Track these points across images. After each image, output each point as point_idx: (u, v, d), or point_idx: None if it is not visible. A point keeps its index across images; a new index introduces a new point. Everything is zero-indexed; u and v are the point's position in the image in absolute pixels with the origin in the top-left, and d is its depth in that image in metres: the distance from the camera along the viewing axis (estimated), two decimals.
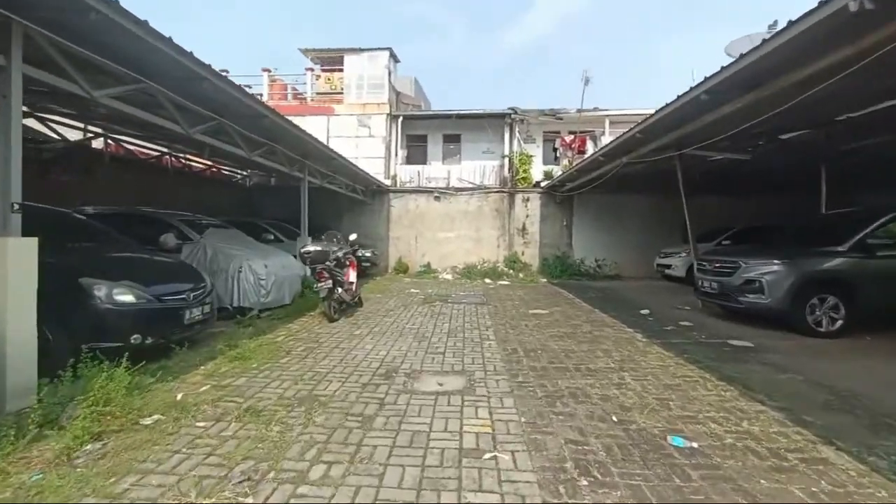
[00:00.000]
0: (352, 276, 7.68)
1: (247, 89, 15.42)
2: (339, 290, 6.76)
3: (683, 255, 11.48)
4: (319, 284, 6.52)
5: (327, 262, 6.71)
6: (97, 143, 9.35)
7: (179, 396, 3.50)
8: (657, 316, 7.40)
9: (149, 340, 4.12)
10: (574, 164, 10.18)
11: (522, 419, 3.26)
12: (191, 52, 4.16)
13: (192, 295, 4.75)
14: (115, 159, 9.58)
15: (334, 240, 8.12)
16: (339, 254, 7.63)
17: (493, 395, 3.74)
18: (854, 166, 8.46)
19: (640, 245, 14.06)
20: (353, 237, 8.43)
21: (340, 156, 9.28)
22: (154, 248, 6.17)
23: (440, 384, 4.01)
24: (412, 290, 10.64)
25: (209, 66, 4.44)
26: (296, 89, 16.57)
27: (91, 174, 8.78)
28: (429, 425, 3.14)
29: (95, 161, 8.99)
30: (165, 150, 10.94)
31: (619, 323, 6.77)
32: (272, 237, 9.89)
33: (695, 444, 2.87)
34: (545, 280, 13.10)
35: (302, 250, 6.43)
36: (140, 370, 3.73)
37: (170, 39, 3.85)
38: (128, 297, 4.06)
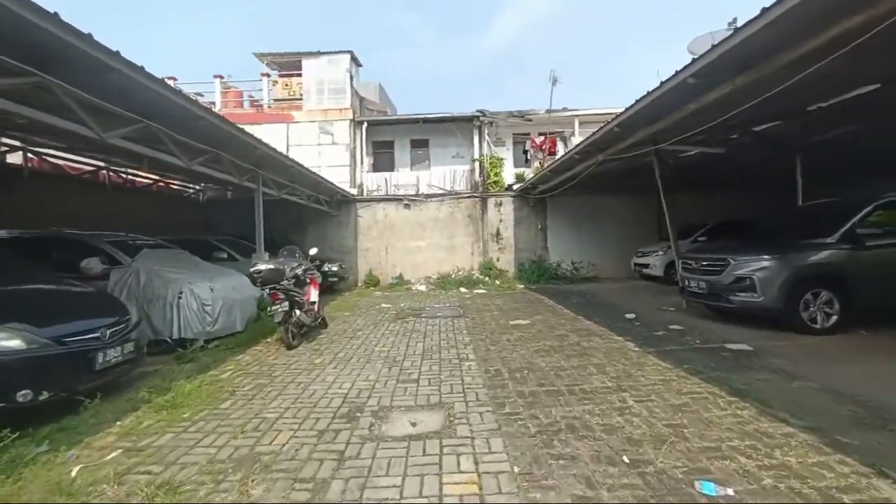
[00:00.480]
0: (313, 294, 6.93)
1: (198, 98, 14.37)
2: (298, 312, 6.00)
3: (660, 253, 11.26)
4: (273, 307, 5.74)
5: (283, 282, 5.94)
6: (15, 158, 8.24)
7: (75, 472, 2.69)
8: (644, 320, 6.98)
9: (45, 395, 3.28)
10: (546, 164, 9.78)
11: (515, 468, 2.65)
12: (90, 35, 3.39)
13: (108, 332, 3.91)
14: (37, 174, 8.47)
15: (296, 255, 7.35)
16: (299, 271, 6.87)
17: (478, 435, 3.12)
18: (828, 158, 8.38)
19: (617, 245, 13.84)
20: (313, 251, 7.68)
21: (297, 163, 8.51)
22: (75, 276, 5.27)
23: (413, 424, 3.36)
24: (383, 304, 9.92)
25: (117, 52, 3.67)
26: (252, 96, 15.61)
27: (7, 192, 7.67)
28: (399, 488, 2.48)
29: (12, 177, 7.88)
30: (102, 164, 9.88)
31: (607, 331, 6.30)
32: (225, 255, 8.97)
33: (730, 492, 2.32)
34: (522, 286, 12.63)
35: (252, 270, 5.64)
36: (27, 437, 2.91)
37: (56, 16, 3.09)
38: (12, 343, 3.21)
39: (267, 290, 5.82)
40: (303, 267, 6.98)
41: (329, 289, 12.17)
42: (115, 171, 10.39)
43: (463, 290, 12.25)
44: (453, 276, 13.55)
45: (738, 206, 12.51)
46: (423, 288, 12.86)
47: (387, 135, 15.54)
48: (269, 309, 5.77)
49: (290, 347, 5.87)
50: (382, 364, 5.06)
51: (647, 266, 11.55)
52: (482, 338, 6.22)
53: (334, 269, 12.03)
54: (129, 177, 11.04)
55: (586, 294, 10.43)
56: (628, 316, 7.26)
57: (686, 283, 6.77)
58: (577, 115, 14.26)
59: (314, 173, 9.75)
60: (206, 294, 5.93)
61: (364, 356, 5.42)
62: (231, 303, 6.30)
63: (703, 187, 13.14)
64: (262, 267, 5.60)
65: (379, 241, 14.19)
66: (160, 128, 5.26)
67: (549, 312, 8.14)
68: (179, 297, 5.72)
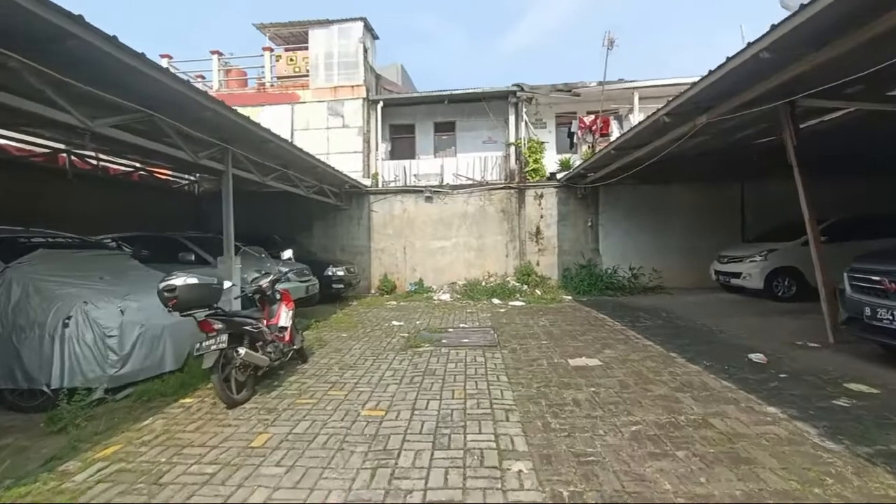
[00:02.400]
0: (283, 317, 4.81)
1: (197, 80, 12.71)
2: (243, 351, 3.84)
3: (759, 258, 8.56)
4: (204, 344, 3.64)
5: (216, 307, 3.84)
6: None
7: None
8: (787, 367, 4.48)
9: None
10: (608, 142, 7.29)
11: None
12: None
13: None
14: None
15: (262, 257, 5.29)
16: (264, 283, 4.79)
17: None
18: None
19: (686, 248, 11.17)
20: (287, 255, 5.58)
21: (279, 137, 6.45)
22: None
23: None
24: (394, 321, 7.74)
25: None
26: (254, 76, 13.79)
27: None
28: None
29: None
30: (62, 146, 8.19)
31: (738, 389, 3.86)
32: (193, 258, 7.02)
33: None
34: (570, 297, 10.18)
35: (162, 286, 3.52)
36: None
37: None
38: None
39: (197, 317, 3.72)
40: (270, 277, 4.88)
41: (334, 297, 10.15)
42: (79, 156, 8.69)
43: (496, 300, 9.94)
44: (483, 282, 11.25)
45: (854, 197, 9.62)
46: (446, 297, 10.64)
47: (406, 117, 13.39)
48: (199, 345, 3.67)
49: (231, 405, 3.77)
50: (363, 458, 2.85)
51: (736, 275, 8.87)
52: (532, 396, 3.91)
53: (339, 273, 9.98)
54: (103, 163, 9.35)
55: (659, 312, 7.90)
56: (754, 358, 4.76)
57: (872, 312, 4.15)
58: (636, 88, 11.65)
59: (309, 155, 7.68)
60: (111, 319, 3.89)
61: (338, 433, 3.24)
62: (157, 330, 4.25)
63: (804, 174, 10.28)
64: (176, 281, 3.46)
65: (396, 241, 12.07)
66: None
67: (622, 343, 5.72)
68: (66, 324, 3.70)
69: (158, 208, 11.24)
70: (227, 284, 4.44)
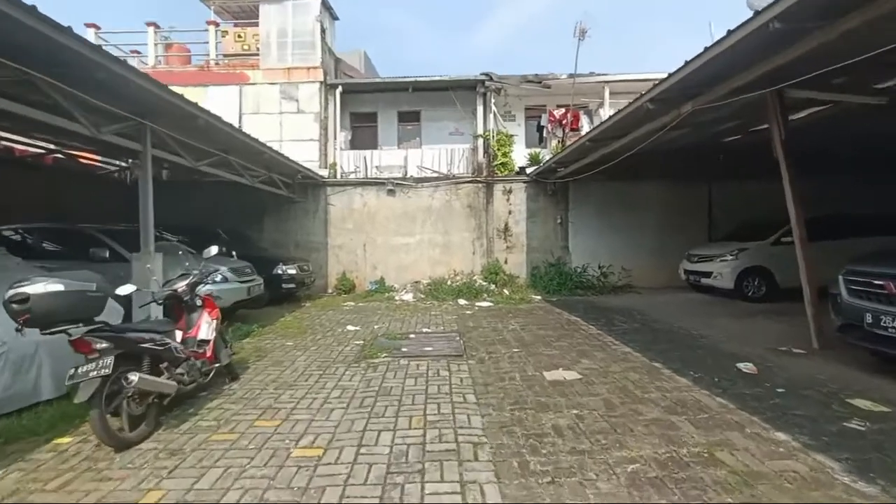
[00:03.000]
0: (204, 329, 3.94)
1: (132, 56, 11.29)
2: (134, 377, 2.95)
3: (730, 257, 8.37)
4: (80, 371, 2.75)
5: (99, 322, 2.95)
6: None
7: None
8: (780, 379, 4.07)
9: None
10: (590, 131, 6.74)
11: None
12: None
13: None
14: None
15: (179, 254, 4.40)
16: (179, 286, 3.90)
17: None
18: None
19: (655, 246, 10.98)
20: (211, 252, 4.66)
21: (212, 115, 5.50)
22: None
23: None
24: (350, 326, 6.94)
25: None
26: (203, 54, 12.43)
27: None
28: None
29: None
30: None
31: (737, 409, 3.38)
32: (107, 254, 5.92)
33: None
34: (539, 297, 9.71)
35: (9, 294, 2.59)
36: None
37: None
38: None
39: (72, 333, 2.82)
40: (188, 279, 3.99)
41: (285, 298, 9.20)
42: None
43: (462, 301, 9.31)
44: (449, 281, 10.60)
45: (818, 197, 9.67)
46: (409, 297, 9.91)
47: (368, 105, 12.51)
48: (69, 374, 2.77)
49: (120, 447, 2.90)
50: None
51: (707, 275, 8.66)
52: (505, 422, 3.28)
53: (290, 272, 9.03)
54: (4, 143, 7.96)
55: (633, 313, 7.52)
56: (744, 368, 4.35)
57: (875, 319, 3.74)
58: (607, 82, 11.32)
59: (251, 138, 6.74)
60: None
61: (257, 487, 2.46)
62: (27, 348, 3.29)
63: (760, 175, 10.27)
64: (31, 289, 2.54)
65: (355, 236, 11.20)
66: None
67: (599, 350, 5.21)
68: None
69: (80, 198, 9.83)
70: (128, 289, 3.54)
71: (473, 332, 6.44)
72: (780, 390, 3.75)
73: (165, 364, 3.28)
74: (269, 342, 5.97)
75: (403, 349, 5.50)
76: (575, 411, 3.42)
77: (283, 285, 8.92)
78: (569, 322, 6.96)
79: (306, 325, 7.11)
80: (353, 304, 9.40)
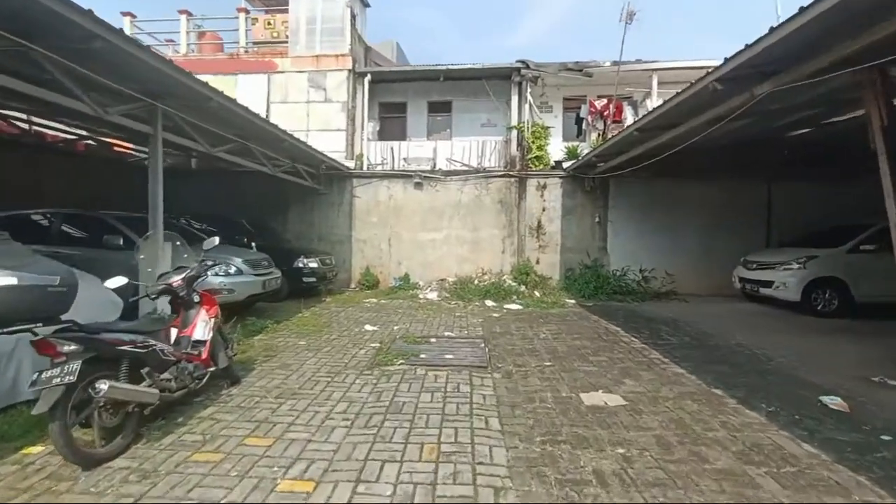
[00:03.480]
0: (200, 328, 3.56)
1: (167, 45, 11.29)
2: (103, 385, 2.54)
3: (796, 266, 7.39)
4: (43, 376, 2.39)
5: (68, 323, 2.57)
6: None
7: None
8: (874, 418, 3.30)
9: None
10: (639, 119, 5.91)
11: None
12: None
13: None
14: None
15: (178, 244, 4.06)
16: (174, 280, 3.55)
17: None
18: None
19: (702, 250, 10.00)
20: (214, 242, 4.26)
21: (226, 97, 5.15)
22: None
23: None
24: (368, 326, 6.51)
25: None
26: (234, 41, 12.31)
27: None
28: None
29: None
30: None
31: (833, 462, 2.67)
32: (121, 241, 5.71)
33: None
34: (573, 301, 8.99)
35: None
36: None
37: None
38: None
39: (38, 333, 2.46)
40: (184, 273, 3.62)
41: (306, 292, 8.90)
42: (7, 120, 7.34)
43: (489, 302, 8.73)
44: (476, 280, 10.03)
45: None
46: (434, 296, 9.41)
47: (397, 94, 12.06)
48: (31, 379, 2.41)
49: (87, 463, 2.53)
50: None
51: (767, 284, 7.70)
52: (534, 459, 2.70)
53: (312, 265, 8.72)
54: (36, 128, 8.00)
55: (681, 325, 6.72)
56: (830, 404, 3.57)
57: None
58: (655, 70, 10.39)
59: (270, 124, 6.39)
60: None
61: None
62: (5, 344, 2.99)
63: (831, 176, 9.12)
64: None
65: (380, 230, 10.80)
66: None
67: (645, 369, 4.53)
68: None
69: (112, 185, 9.88)
70: (117, 282, 3.20)
71: (500, 338, 5.86)
72: (885, 438, 2.99)
73: (147, 370, 2.90)
74: (282, 340, 5.61)
75: (422, 355, 5.00)
76: (621, 450, 2.80)
77: (304, 279, 8.62)
78: (607, 332, 6.26)
79: (323, 322, 6.73)
80: (375, 300, 9.00)
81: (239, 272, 6.11)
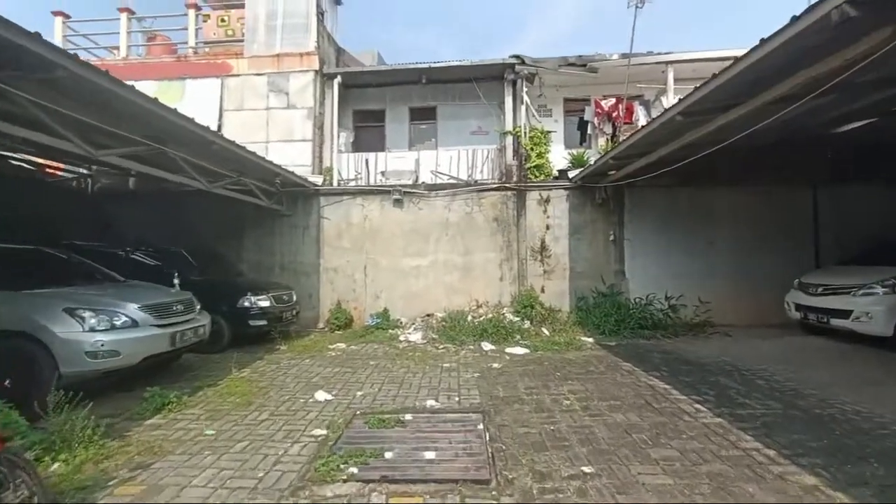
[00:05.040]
0: None
1: (113, 51, 9.46)
2: None
3: (881, 290, 5.73)
4: None
5: None
6: None
7: None
8: None
9: None
10: (686, 98, 4.34)
11: None
12: None
13: None
14: None
15: None
16: None
17: None
18: None
19: (738, 271, 8.36)
20: None
21: (110, 78, 3.46)
22: None
23: None
24: (320, 393, 4.64)
25: None
26: (177, 46, 10.73)
27: None
28: None
29: None
30: None
31: None
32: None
33: None
34: (590, 340, 7.21)
35: None
36: None
37: None
38: None
39: None
40: None
41: (256, 338, 7.08)
42: None
43: (487, 345, 6.93)
44: (470, 315, 8.24)
45: None
46: (417, 337, 7.58)
47: (374, 101, 10.54)
48: None
49: None
50: None
51: (842, 314, 6.01)
52: None
53: (262, 303, 6.93)
54: None
55: (746, 376, 4.97)
56: None
57: None
58: (670, 63, 8.96)
59: (184, 118, 4.72)
60: None
61: None
62: None
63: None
64: None
65: (354, 257, 9.04)
66: None
67: (748, 475, 2.74)
68: None
69: (33, 207, 8.08)
70: None
71: (505, 409, 4.06)
72: None
73: None
74: (184, 425, 3.77)
75: (388, 455, 3.17)
76: None
77: (251, 322, 6.79)
78: (654, 392, 4.48)
79: (260, 387, 4.88)
80: (343, 346, 7.15)
81: (131, 324, 4.28)
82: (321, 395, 4.55)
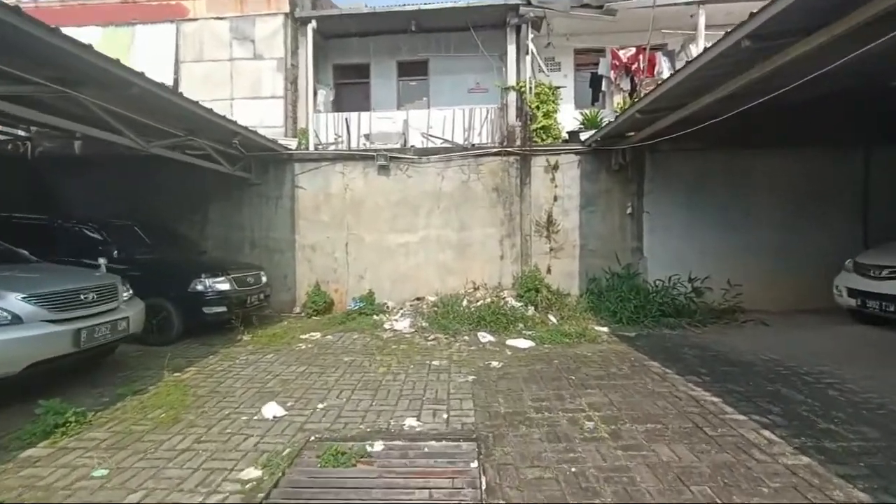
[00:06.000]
0: None
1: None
2: None
3: None
4: None
5: None
6: None
7: None
8: None
9: None
10: (763, 11, 3.17)
11: None
12: None
13: None
14: None
15: None
16: None
17: None
18: None
19: (775, 249, 7.29)
20: None
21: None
22: None
23: None
24: (271, 405, 3.63)
25: None
26: None
27: None
28: None
29: None
30: None
31: None
32: None
33: None
34: (605, 329, 6.20)
35: None
36: None
37: None
38: None
39: None
40: None
41: (213, 327, 6.06)
42: None
43: (485, 336, 5.91)
44: (465, 300, 7.21)
45: None
46: (405, 325, 6.57)
47: (357, 54, 9.18)
48: None
49: None
50: None
51: None
52: None
53: (219, 287, 5.87)
54: None
55: (808, 381, 3.96)
56: None
57: None
58: (702, 2, 7.61)
59: (89, 50, 3.52)
60: None
61: None
62: None
63: None
64: None
65: (334, 233, 7.92)
66: None
67: None
68: None
69: None
70: None
71: (508, 435, 3.05)
72: None
73: None
74: (69, 461, 2.76)
75: None
76: None
77: (206, 309, 5.73)
78: (701, 409, 3.46)
79: (197, 396, 3.86)
80: (317, 336, 6.13)
81: (11, 320, 3.21)
82: (270, 410, 3.53)
